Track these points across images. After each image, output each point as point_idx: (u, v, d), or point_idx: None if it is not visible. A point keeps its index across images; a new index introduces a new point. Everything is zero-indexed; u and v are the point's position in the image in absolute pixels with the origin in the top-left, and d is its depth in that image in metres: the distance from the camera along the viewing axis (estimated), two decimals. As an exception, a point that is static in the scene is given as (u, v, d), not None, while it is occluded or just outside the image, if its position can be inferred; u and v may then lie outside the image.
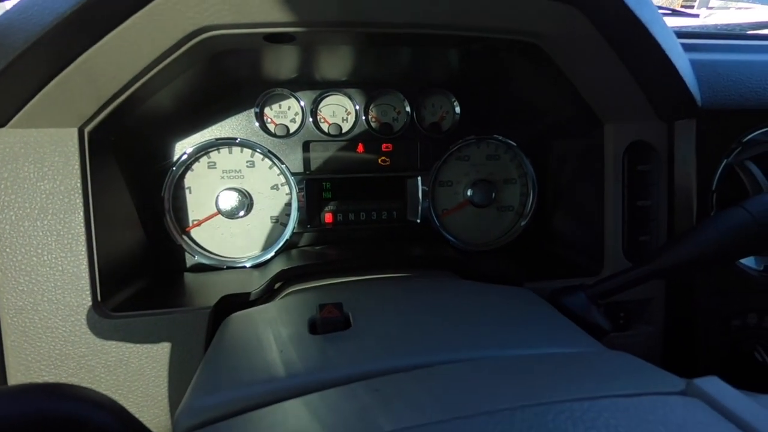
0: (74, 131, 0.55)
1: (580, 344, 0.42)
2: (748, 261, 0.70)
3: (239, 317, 0.52)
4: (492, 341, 0.41)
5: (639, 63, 0.57)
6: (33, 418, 0.34)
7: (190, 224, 0.79)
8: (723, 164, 0.67)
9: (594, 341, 0.43)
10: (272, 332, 0.46)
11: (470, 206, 0.87)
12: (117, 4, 0.42)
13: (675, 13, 1.55)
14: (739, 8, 1.65)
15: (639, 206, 0.69)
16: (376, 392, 0.32)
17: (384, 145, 0.84)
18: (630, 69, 0.59)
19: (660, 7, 1.31)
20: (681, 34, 0.88)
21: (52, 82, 0.49)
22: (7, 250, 0.54)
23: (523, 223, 0.88)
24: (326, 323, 0.45)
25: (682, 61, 0.60)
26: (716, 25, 1.57)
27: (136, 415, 0.36)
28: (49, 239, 0.55)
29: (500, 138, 0.86)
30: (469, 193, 0.86)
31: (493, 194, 0.86)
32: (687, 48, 0.68)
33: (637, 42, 0.54)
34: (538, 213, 0.88)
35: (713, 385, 0.30)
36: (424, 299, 0.53)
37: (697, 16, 1.56)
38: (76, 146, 0.55)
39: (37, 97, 0.50)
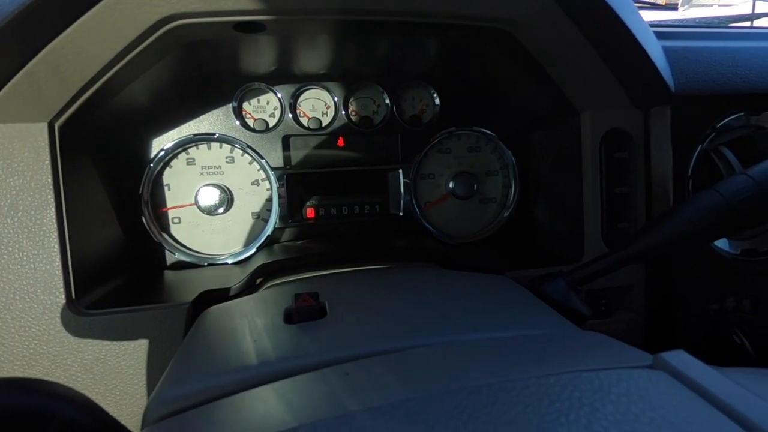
0: (44, 126, 0.54)
1: (553, 326, 0.42)
2: (725, 245, 0.71)
3: (216, 310, 0.51)
4: (465, 326, 0.40)
5: (611, 50, 0.58)
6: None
7: (170, 222, 0.78)
8: (698, 150, 0.68)
9: (567, 323, 0.43)
10: (247, 323, 0.45)
11: (452, 198, 0.87)
12: (79, -6, 0.42)
13: (654, 6, 1.57)
14: (722, 5, 1.68)
15: (617, 193, 0.70)
16: (346, 376, 0.32)
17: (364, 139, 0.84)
18: (603, 56, 0.59)
19: (639, 0, 1.32)
20: (658, 26, 0.90)
21: (18, 75, 0.48)
22: (-23, 248, 0.53)
23: (505, 215, 0.89)
24: (301, 312, 0.44)
25: (654, 48, 0.61)
26: (695, 19, 1.59)
27: (114, 414, 0.35)
28: (20, 236, 0.54)
29: (480, 130, 0.86)
30: (451, 185, 0.86)
31: (475, 186, 0.87)
32: (660, 36, 0.69)
33: (608, 28, 0.54)
34: (520, 204, 0.88)
35: (679, 358, 0.30)
36: (402, 288, 0.53)
37: (675, 9, 1.58)
38: (46, 141, 0.54)
39: (3, 91, 0.49)
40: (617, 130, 0.69)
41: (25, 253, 0.54)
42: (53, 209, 0.55)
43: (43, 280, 0.55)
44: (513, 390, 0.27)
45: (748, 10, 1.44)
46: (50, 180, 0.54)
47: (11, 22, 0.42)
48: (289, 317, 0.45)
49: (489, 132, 0.86)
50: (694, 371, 0.28)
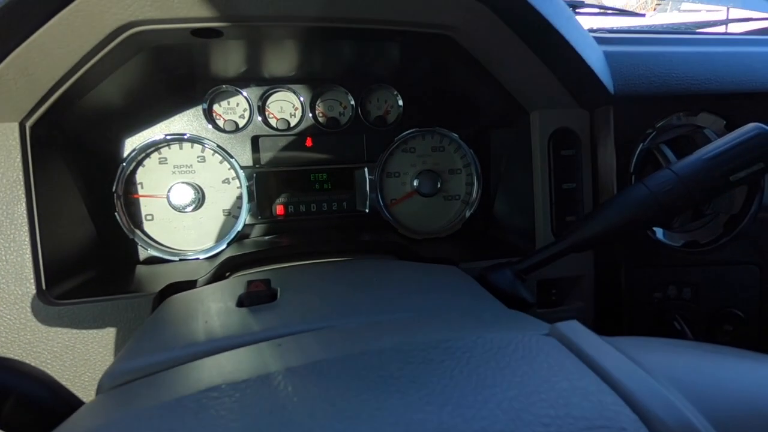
0: (15, 125, 0.57)
1: (483, 305, 0.46)
2: (668, 237, 0.75)
3: (176, 297, 0.55)
4: (397, 307, 0.44)
5: (550, 56, 0.62)
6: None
7: (144, 219, 0.81)
8: (640, 148, 0.73)
9: (498, 304, 0.47)
10: (202, 308, 0.49)
11: (417, 196, 0.91)
12: (41, 5, 0.45)
13: (622, 12, 1.62)
14: (683, 10, 1.74)
15: (565, 189, 0.74)
16: (278, 347, 0.36)
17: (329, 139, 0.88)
18: (544, 60, 0.63)
19: (605, 7, 1.37)
20: (623, 32, 0.95)
21: (-12, 78, 0.51)
22: (-50, 240, 0.56)
23: (469, 212, 0.93)
24: (252, 297, 0.48)
25: (591, 52, 0.65)
26: (662, 24, 1.66)
27: (85, 399, 0.38)
28: (-8, 229, 0.57)
29: (443, 130, 0.90)
30: (415, 183, 0.90)
31: (439, 184, 0.91)
32: (602, 41, 0.74)
33: (543, 35, 0.58)
34: (483, 201, 0.93)
35: (572, 327, 0.34)
36: (353, 277, 0.56)
37: (643, 15, 1.64)
38: (17, 140, 0.57)
39: (-26, 92, 0.53)
40: (564, 129, 0.73)
41: (-4, 246, 0.57)
42: (24, 204, 0.58)
43: (14, 272, 0.58)
44: (411, 351, 0.30)
45: (710, 15, 1.50)
46: (21, 177, 0.58)
47: (-21, 29, 0.46)
48: (241, 302, 0.49)
49: (450, 132, 0.90)
50: (581, 339, 0.32)
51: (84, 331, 0.60)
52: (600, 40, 0.74)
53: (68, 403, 0.41)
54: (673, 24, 1.69)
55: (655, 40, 0.79)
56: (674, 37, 0.85)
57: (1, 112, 0.55)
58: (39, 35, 0.48)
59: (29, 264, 0.58)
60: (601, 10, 1.28)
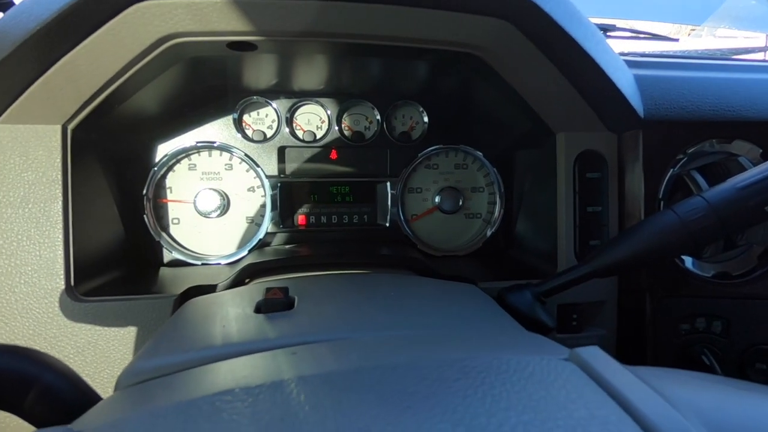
0: (58, 128, 0.60)
1: (501, 326, 0.45)
2: (697, 266, 0.72)
3: (196, 301, 0.56)
4: (413, 323, 0.44)
5: (579, 77, 0.62)
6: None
7: (170, 222, 0.84)
8: (669, 174, 0.71)
9: (515, 324, 0.46)
10: (220, 312, 0.50)
11: (438, 212, 0.91)
12: (93, 13, 0.48)
13: (655, 37, 1.60)
14: (719, 36, 1.70)
15: (589, 212, 0.72)
16: (293, 355, 0.36)
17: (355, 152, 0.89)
18: (572, 82, 0.63)
19: (638, 31, 1.36)
20: (656, 56, 0.94)
21: (37, 82, 0.55)
22: (-10, 234, 0.59)
23: (490, 231, 0.92)
24: (269, 304, 0.48)
25: (622, 75, 0.64)
26: (697, 50, 1.62)
27: (103, 395, 0.39)
28: (29, 225, 0.60)
29: (467, 148, 0.90)
30: (437, 199, 0.90)
31: (461, 201, 0.90)
32: (633, 65, 0.73)
33: (573, 57, 0.58)
34: (505, 220, 0.92)
35: (592, 353, 0.33)
36: (370, 290, 0.56)
37: (677, 40, 1.62)
38: (59, 142, 0.60)
39: (24, 95, 0.56)
40: (591, 151, 0.72)
41: (32, 241, 0.60)
42: (60, 203, 0.61)
43: (46, 267, 0.60)
44: (426, 368, 0.30)
45: (746, 42, 1.46)
46: (60, 177, 0.60)
47: (33, 37, 0.49)
48: (259, 308, 0.49)
49: (475, 150, 0.90)
50: (602, 366, 0.31)
51: (107, 328, 0.62)
52: (631, 64, 0.73)
53: (87, 396, 0.42)
54: (708, 50, 1.65)
55: (689, 66, 0.78)
56: (709, 62, 0.83)
57: (46, 115, 0.59)
58: (86, 44, 0.51)
59: (60, 260, 0.60)
60: (634, 34, 1.27)
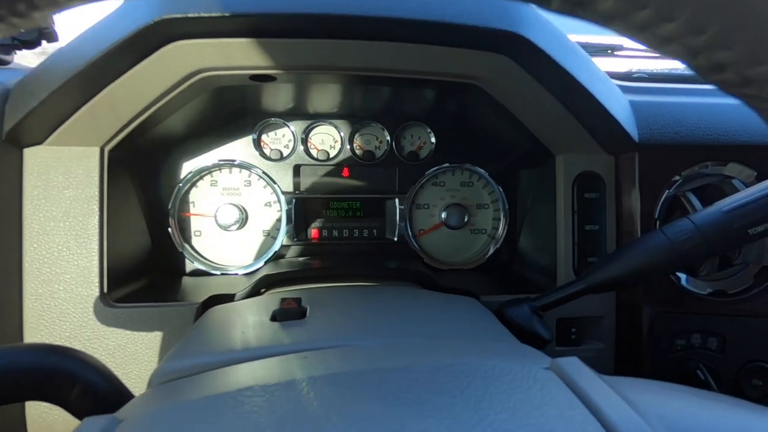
0: (96, 150, 0.67)
1: (494, 337, 0.49)
2: (693, 284, 0.75)
3: (217, 309, 0.61)
4: (413, 332, 0.48)
5: (575, 105, 0.66)
6: (36, 370, 0.43)
7: (193, 234, 0.90)
8: (665, 195, 0.74)
9: (508, 336, 0.50)
10: (240, 320, 0.55)
11: (444, 228, 0.95)
12: (134, 51, 0.54)
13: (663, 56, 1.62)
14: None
15: (587, 230, 0.76)
16: (305, 358, 0.41)
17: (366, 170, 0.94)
18: (569, 108, 0.67)
19: (645, 50, 1.39)
20: (668, 77, 0.96)
21: (81, 110, 0.61)
22: (35, 245, 0.65)
23: (494, 246, 0.95)
24: (284, 313, 0.53)
25: (615, 102, 0.68)
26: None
27: (134, 393, 0.44)
28: (69, 238, 0.66)
29: (472, 167, 0.94)
30: (443, 215, 0.95)
31: (466, 218, 0.94)
32: (629, 90, 0.77)
33: (568, 87, 0.62)
34: (509, 236, 0.95)
35: (571, 363, 0.37)
36: (377, 301, 0.61)
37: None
38: (98, 162, 0.67)
39: (68, 121, 0.63)
40: (589, 172, 0.76)
41: (71, 252, 0.66)
42: (97, 217, 0.67)
43: (83, 275, 0.66)
44: (419, 372, 0.34)
45: None
46: (97, 193, 0.67)
47: (81, 72, 0.55)
48: (275, 317, 0.54)
49: (480, 169, 0.94)
50: (577, 374, 0.35)
51: (135, 332, 0.67)
52: (627, 89, 0.77)
53: (122, 394, 0.48)
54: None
55: (685, 91, 0.81)
56: (706, 88, 0.87)
57: (88, 138, 0.65)
58: (126, 77, 0.58)
59: (96, 269, 0.66)
60: (643, 53, 1.29)
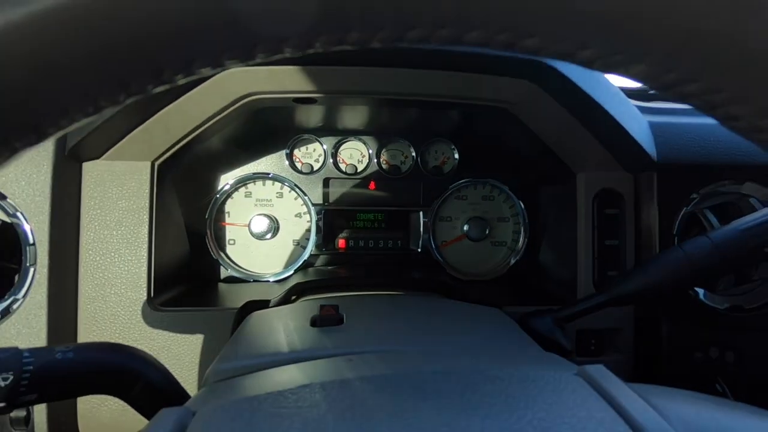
0: (148, 164, 0.72)
1: (522, 345, 0.52)
2: (711, 299, 0.77)
3: (258, 314, 0.65)
4: (449, 340, 0.52)
5: (596, 126, 0.70)
6: (107, 367, 0.48)
7: (227, 243, 0.95)
8: (683, 212, 0.77)
9: (534, 344, 0.53)
10: (282, 325, 0.59)
11: (466, 240, 0.99)
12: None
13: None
14: None
15: (607, 245, 0.79)
16: (350, 361, 0.45)
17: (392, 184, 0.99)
18: (590, 130, 0.71)
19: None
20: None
21: (137, 129, 0.67)
22: (90, 251, 0.70)
23: (514, 259, 0.99)
24: (324, 319, 0.57)
25: (634, 124, 0.72)
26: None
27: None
28: (121, 245, 0.71)
29: (494, 182, 0.98)
30: (465, 228, 0.98)
31: (488, 230, 0.98)
32: (647, 111, 0.80)
33: (590, 110, 0.66)
34: (528, 249, 0.98)
35: (599, 371, 0.40)
36: (405, 310, 0.65)
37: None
38: (148, 175, 0.72)
39: (125, 138, 0.68)
40: (609, 189, 0.79)
41: (123, 259, 0.71)
42: (146, 227, 0.72)
43: (132, 281, 0.71)
44: (458, 375, 0.38)
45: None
46: (147, 204, 0.72)
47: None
48: (314, 322, 0.58)
49: (501, 184, 0.98)
50: (605, 380, 0.38)
51: (178, 335, 0.72)
52: (645, 110, 0.80)
53: (178, 391, 0.52)
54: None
55: (696, 112, 0.84)
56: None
57: (141, 154, 0.71)
58: (181, 101, 0.63)
59: (144, 276, 0.71)
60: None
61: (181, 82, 0.21)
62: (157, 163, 0.73)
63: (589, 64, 0.20)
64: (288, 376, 0.42)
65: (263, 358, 0.49)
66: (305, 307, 0.66)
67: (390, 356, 0.45)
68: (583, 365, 0.41)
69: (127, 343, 0.71)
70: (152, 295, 0.72)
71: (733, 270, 0.62)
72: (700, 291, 0.77)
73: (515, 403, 0.34)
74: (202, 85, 0.61)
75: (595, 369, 0.40)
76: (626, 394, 0.36)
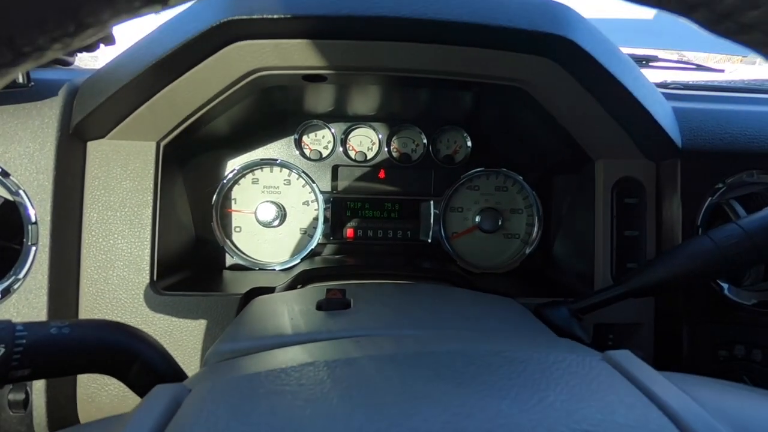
0: (153, 144, 0.71)
1: (537, 332, 0.49)
2: (737, 294, 0.73)
3: (264, 298, 0.63)
4: (461, 325, 0.49)
5: (617, 109, 0.66)
6: (104, 344, 0.46)
7: (233, 230, 0.93)
8: (708, 202, 0.73)
9: (551, 333, 0.50)
10: (287, 308, 0.57)
11: (478, 231, 0.96)
12: (194, 53, 0.58)
13: (700, 67, 1.60)
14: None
15: (626, 236, 0.75)
16: (358, 342, 0.42)
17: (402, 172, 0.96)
18: (611, 113, 0.68)
19: (682, 62, 1.37)
20: (702, 88, 0.96)
21: (143, 107, 0.65)
22: (93, 232, 0.69)
23: (528, 251, 0.95)
24: (330, 303, 0.55)
25: (660, 108, 0.68)
26: (743, 81, 1.61)
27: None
28: (124, 226, 0.70)
29: (507, 172, 0.95)
30: (477, 219, 0.95)
31: (500, 222, 0.95)
32: (672, 97, 0.76)
33: (611, 91, 0.63)
34: (542, 241, 0.95)
35: (625, 356, 0.37)
36: (415, 296, 0.62)
37: (722, 71, 1.61)
38: (153, 156, 0.71)
39: (130, 117, 0.67)
40: (629, 178, 0.76)
41: (126, 240, 0.70)
42: (150, 208, 0.70)
43: (135, 263, 0.70)
44: (474, 355, 0.35)
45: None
46: (152, 185, 0.70)
47: (147, 71, 0.59)
48: (320, 306, 0.56)
49: (515, 174, 0.95)
50: (633, 366, 0.35)
51: (180, 319, 0.70)
52: (669, 96, 0.77)
53: (177, 372, 0.50)
54: (755, 81, 1.63)
55: (730, 99, 0.81)
56: (751, 96, 0.85)
57: (146, 133, 0.69)
58: (187, 77, 0.61)
59: (147, 258, 0.70)
60: (678, 65, 1.28)
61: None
62: (162, 144, 0.72)
63: None
64: (291, 356, 0.40)
65: (265, 340, 0.46)
66: (311, 292, 0.64)
67: (400, 338, 0.42)
68: (606, 351, 0.38)
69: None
70: (155, 278, 0.71)
71: (765, 260, 0.58)
72: (725, 285, 0.73)
73: (536, 385, 0.31)
74: (207, 60, 0.59)
75: (621, 354, 0.37)
76: (657, 379, 0.33)
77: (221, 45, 0.57)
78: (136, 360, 0.48)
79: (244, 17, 0.52)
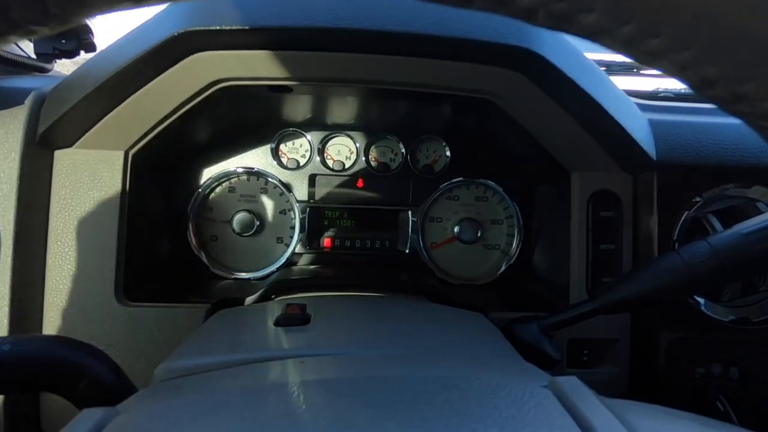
0: (121, 153, 0.70)
1: (497, 353, 0.48)
2: (714, 310, 0.72)
3: (227, 312, 0.62)
4: (417, 345, 0.48)
5: (590, 122, 0.65)
6: (44, 360, 0.45)
7: (209, 239, 0.92)
8: (684, 216, 0.72)
9: (513, 353, 0.49)
10: (245, 323, 0.56)
11: (457, 242, 0.94)
12: (156, 63, 0.57)
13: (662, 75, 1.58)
14: None
15: (602, 249, 0.74)
16: (302, 363, 0.41)
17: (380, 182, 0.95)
18: (584, 126, 0.67)
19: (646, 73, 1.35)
20: (689, 96, 0.94)
21: (109, 115, 0.64)
22: (59, 242, 0.68)
23: (507, 263, 0.94)
24: (287, 318, 0.54)
25: (633, 120, 0.67)
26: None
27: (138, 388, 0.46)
28: (91, 237, 0.69)
29: (487, 182, 0.94)
30: (456, 229, 0.94)
31: (480, 233, 0.94)
32: (647, 109, 0.75)
33: (583, 104, 0.62)
34: (522, 253, 0.94)
35: (569, 382, 0.36)
36: (383, 312, 0.61)
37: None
38: (121, 165, 0.70)
39: (96, 126, 0.66)
40: (606, 191, 0.75)
41: (91, 251, 0.68)
42: (117, 219, 0.69)
43: (100, 274, 0.68)
44: (413, 381, 0.34)
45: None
46: (119, 195, 0.69)
47: (110, 79, 0.58)
48: (278, 322, 0.55)
49: (494, 184, 0.94)
50: (575, 394, 0.34)
51: (147, 331, 0.69)
52: (646, 108, 0.75)
53: (128, 389, 0.49)
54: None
55: (708, 111, 0.79)
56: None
57: (114, 143, 0.68)
58: (152, 85, 0.60)
59: (112, 269, 0.69)
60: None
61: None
62: (131, 153, 0.71)
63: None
64: (228, 380, 0.39)
65: (214, 357, 0.45)
66: (274, 306, 0.63)
67: (344, 360, 0.41)
68: (556, 377, 0.37)
69: (94, 339, 0.69)
70: (122, 289, 0.70)
71: (736, 278, 0.57)
72: (702, 301, 0.72)
73: (468, 415, 0.30)
74: (170, 70, 0.58)
75: (567, 381, 0.36)
76: (596, 409, 0.32)
77: (182, 56, 0.56)
78: (83, 376, 0.47)
79: (203, 28, 0.52)
